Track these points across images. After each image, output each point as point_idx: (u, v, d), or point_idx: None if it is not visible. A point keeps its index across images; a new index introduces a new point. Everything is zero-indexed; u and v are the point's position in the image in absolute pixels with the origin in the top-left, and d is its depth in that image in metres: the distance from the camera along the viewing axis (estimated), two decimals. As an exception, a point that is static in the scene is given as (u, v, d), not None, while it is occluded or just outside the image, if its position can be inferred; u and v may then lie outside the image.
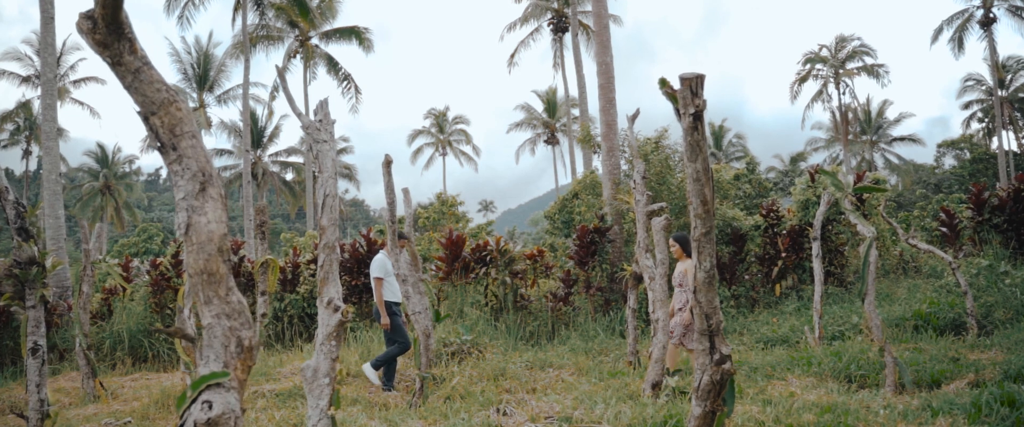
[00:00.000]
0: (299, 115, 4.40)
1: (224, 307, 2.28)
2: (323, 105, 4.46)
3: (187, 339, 2.43)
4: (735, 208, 12.11)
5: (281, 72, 4.29)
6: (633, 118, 6.39)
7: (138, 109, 2.36)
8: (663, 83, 3.62)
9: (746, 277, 11.28)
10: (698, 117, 3.31)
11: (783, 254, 10.88)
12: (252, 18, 28.02)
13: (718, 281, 11.14)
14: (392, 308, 6.85)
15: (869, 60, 38.29)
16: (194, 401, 2.22)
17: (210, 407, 2.20)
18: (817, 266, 8.31)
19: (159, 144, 2.37)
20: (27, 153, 45.86)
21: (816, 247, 8.39)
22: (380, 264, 6.86)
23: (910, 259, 11.49)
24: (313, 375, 4.03)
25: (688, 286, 6.71)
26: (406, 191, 7.60)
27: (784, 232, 11.14)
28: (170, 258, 11.45)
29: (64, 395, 8.39)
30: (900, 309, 8.89)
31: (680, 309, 6.78)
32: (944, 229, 11.51)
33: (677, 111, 3.53)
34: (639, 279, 7.80)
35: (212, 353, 2.25)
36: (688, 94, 3.37)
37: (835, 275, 10.96)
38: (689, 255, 6.74)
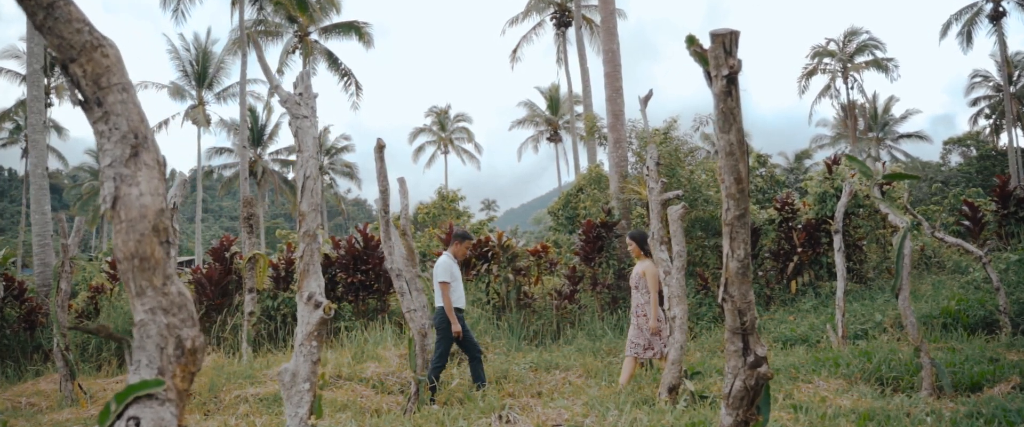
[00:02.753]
0: (277, 87, 3.95)
1: (160, 300, 1.80)
2: (304, 77, 3.99)
3: (113, 339, 1.86)
4: (749, 201, 11.61)
5: (254, 37, 3.82)
6: (646, 99, 5.92)
7: (55, 55, 1.88)
8: (691, 41, 3.13)
9: (759, 273, 10.79)
10: (732, 80, 2.82)
11: (799, 249, 10.39)
12: (250, 13, 27.55)
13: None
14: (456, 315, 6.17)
15: (878, 54, 37.71)
16: (119, 417, 1.74)
17: (137, 425, 1.73)
18: (839, 260, 7.81)
19: (81, 98, 1.88)
20: (26, 152, 45.47)
21: (837, 240, 7.89)
22: (446, 267, 6.15)
23: (932, 254, 11.00)
24: (292, 380, 3.56)
25: (643, 288, 6.28)
26: (402, 180, 7.14)
27: (800, 226, 10.64)
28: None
29: (42, 398, 7.95)
30: (927, 306, 8.40)
31: (639, 315, 6.31)
32: (967, 223, 11.01)
33: (707, 74, 3.05)
34: (651, 275, 7.32)
35: (144, 357, 1.78)
36: (721, 53, 2.87)
37: (854, 271, 10.46)
38: (647, 254, 6.30)
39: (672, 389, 5.28)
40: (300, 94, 4.00)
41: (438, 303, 6.09)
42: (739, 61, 2.91)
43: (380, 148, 5.43)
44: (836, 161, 10.83)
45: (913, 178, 6.02)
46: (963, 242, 8.19)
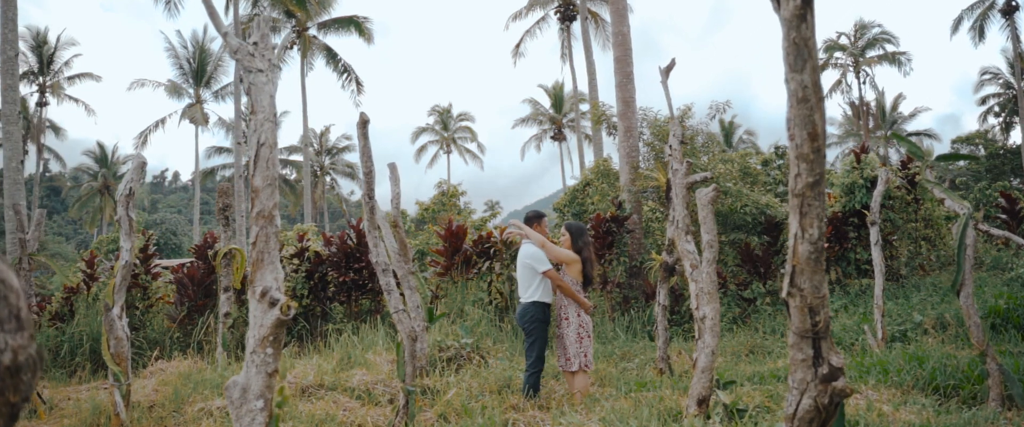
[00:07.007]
0: (225, 36, 3.25)
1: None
2: (260, 24, 3.28)
3: None
4: (768, 194, 10.89)
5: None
6: (668, 70, 5.19)
7: None
8: (752, -49, 2.40)
9: (781, 271, 10.06)
10: (807, 2, 2.10)
11: (825, 244, 9.64)
12: (246, 8, 26.93)
13: (751, 275, 9.91)
14: (544, 313, 5.45)
15: (890, 48, 36.87)
16: None
17: None
18: (877, 254, 7.08)
19: None
20: (24, 152, 44.72)
21: (875, 233, 7.16)
22: (541, 255, 5.43)
23: (968, 249, 10.23)
24: (241, 396, 2.83)
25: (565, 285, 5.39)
26: (393, 166, 6.44)
27: (825, 220, 9.90)
28: (138, 251, 10.27)
29: (1, 409, 7.25)
30: (971, 305, 7.66)
31: (562, 319, 5.42)
32: (1004, 216, 10.25)
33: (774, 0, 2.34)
34: (670, 271, 6.60)
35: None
36: (794, -37, 2.15)
37: (886, 267, 9.69)
38: (577, 251, 5.43)
39: (702, 401, 4.54)
40: (254, 44, 3.29)
41: (531, 298, 5.39)
42: (817, -24, 2.18)
43: (363, 123, 4.72)
44: (864, 150, 10.09)
45: (970, 159, 5.42)
46: (1011, 234, 7.45)
